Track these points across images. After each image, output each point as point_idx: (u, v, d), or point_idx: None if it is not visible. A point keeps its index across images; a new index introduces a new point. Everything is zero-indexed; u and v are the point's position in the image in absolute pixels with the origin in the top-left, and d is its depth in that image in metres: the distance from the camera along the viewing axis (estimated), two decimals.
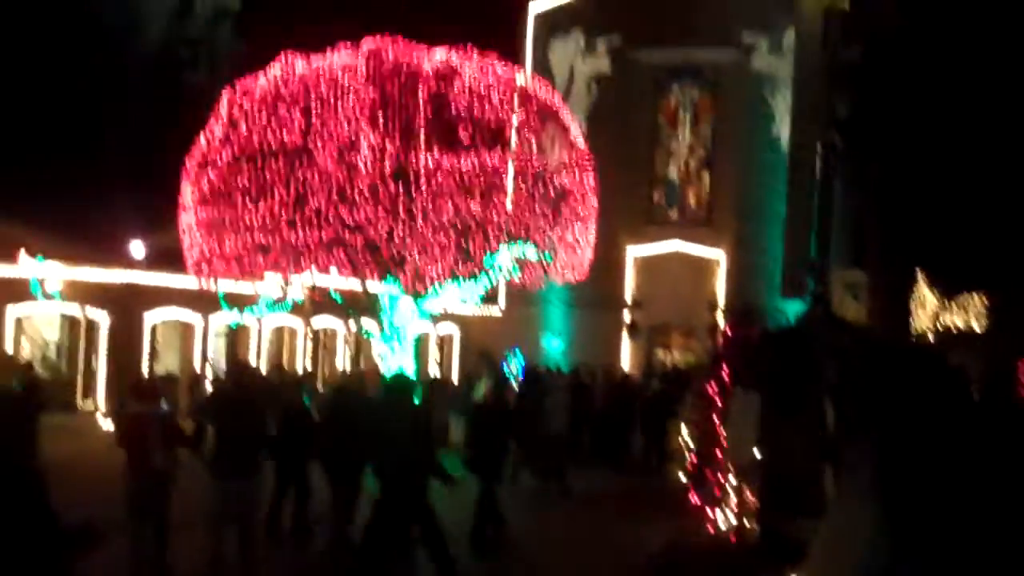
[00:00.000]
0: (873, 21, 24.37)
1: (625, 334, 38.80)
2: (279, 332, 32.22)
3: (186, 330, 29.98)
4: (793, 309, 18.12)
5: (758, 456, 10.13)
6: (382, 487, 10.21)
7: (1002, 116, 24.60)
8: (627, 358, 38.12)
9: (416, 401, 11.56)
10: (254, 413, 10.60)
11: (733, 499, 10.87)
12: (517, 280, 23.74)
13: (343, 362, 32.90)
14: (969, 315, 31.44)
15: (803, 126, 12.56)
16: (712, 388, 11.53)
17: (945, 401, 4.49)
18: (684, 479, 12.65)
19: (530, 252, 22.32)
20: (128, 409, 10.74)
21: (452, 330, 38.28)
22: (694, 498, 11.71)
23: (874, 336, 11.01)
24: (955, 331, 29.69)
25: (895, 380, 4.42)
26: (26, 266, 25.80)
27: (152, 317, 28.24)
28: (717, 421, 11.25)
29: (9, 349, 25.97)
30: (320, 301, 26.59)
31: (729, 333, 12.10)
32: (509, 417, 13.93)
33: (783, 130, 36.40)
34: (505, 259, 22.26)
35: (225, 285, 22.87)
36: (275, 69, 21.74)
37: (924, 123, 25.53)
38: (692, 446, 12.73)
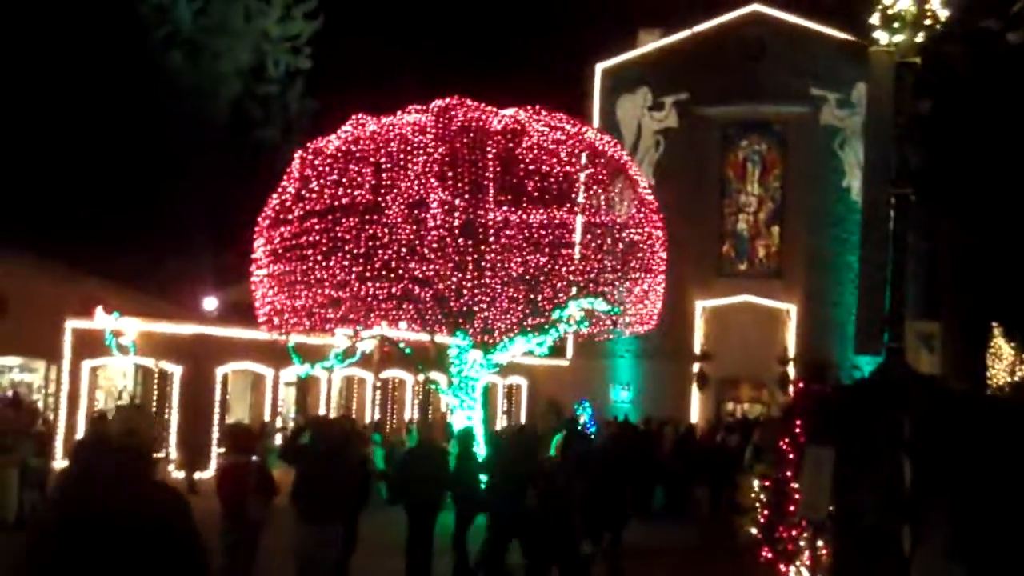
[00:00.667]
0: (945, 73, 24.21)
1: (694, 386, 38.56)
2: (348, 382, 32.46)
3: (257, 381, 30.33)
4: (866, 363, 17.90)
5: (832, 512, 10.00)
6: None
7: None
8: (696, 410, 37.85)
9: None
10: (339, 461, 10.75)
11: (807, 555, 10.72)
12: (585, 332, 23.80)
13: (411, 412, 33.02)
14: None
15: (874, 179, 12.55)
16: (785, 442, 11.41)
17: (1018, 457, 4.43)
18: (756, 533, 12.49)
19: (599, 305, 22.37)
20: (225, 458, 10.87)
21: (520, 381, 38.28)
22: (766, 553, 11.56)
23: (950, 390, 10.84)
24: None
25: (973, 436, 4.39)
26: (102, 320, 26.33)
27: (224, 369, 28.62)
28: (790, 475, 11.12)
29: (84, 399, 26.46)
30: (389, 353, 26.80)
31: (802, 387, 11.96)
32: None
33: (853, 183, 36.28)
34: (573, 312, 22.33)
35: (295, 338, 23.17)
36: (346, 128, 22.13)
37: (998, 174, 25.26)
38: (764, 500, 12.59)
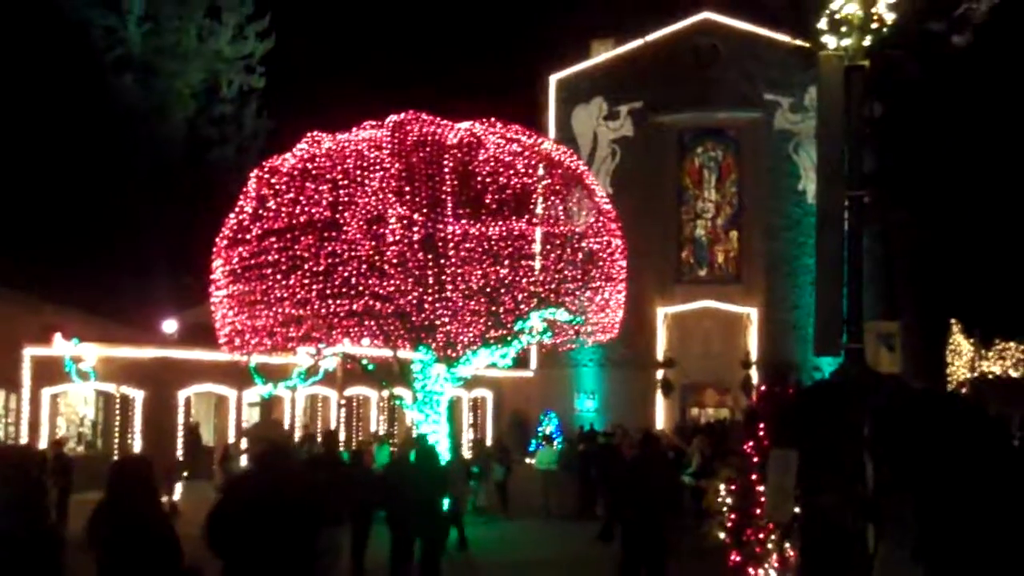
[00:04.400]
0: (894, 75, 24.48)
1: (659, 393, 38.67)
2: (312, 401, 32.33)
3: (220, 402, 30.15)
4: (827, 364, 18.03)
5: (798, 514, 10.05)
6: None
7: None
8: (661, 416, 37.97)
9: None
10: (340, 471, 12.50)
11: (775, 558, 10.77)
12: (548, 343, 23.81)
13: (376, 428, 32.93)
14: (1006, 362, 31.22)
15: (827, 182, 12.67)
16: (749, 446, 11.48)
17: (986, 454, 4.48)
18: (724, 537, 12.54)
19: (561, 315, 22.37)
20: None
21: (485, 393, 38.28)
22: (735, 557, 11.61)
23: (910, 388, 10.94)
24: (992, 379, 29.49)
25: (933, 435, 4.43)
26: (61, 347, 26.08)
27: (186, 392, 28.43)
28: (755, 479, 11.18)
29: (45, 427, 26.20)
30: (352, 370, 26.69)
31: (764, 390, 12.05)
32: None
33: (808, 186, 36.63)
34: (536, 323, 22.32)
35: (257, 358, 23.04)
36: (302, 146, 22.04)
37: (951, 173, 25.55)
38: (731, 503, 12.65)
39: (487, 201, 21.11)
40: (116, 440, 27.15)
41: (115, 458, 14.69)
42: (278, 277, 20.77)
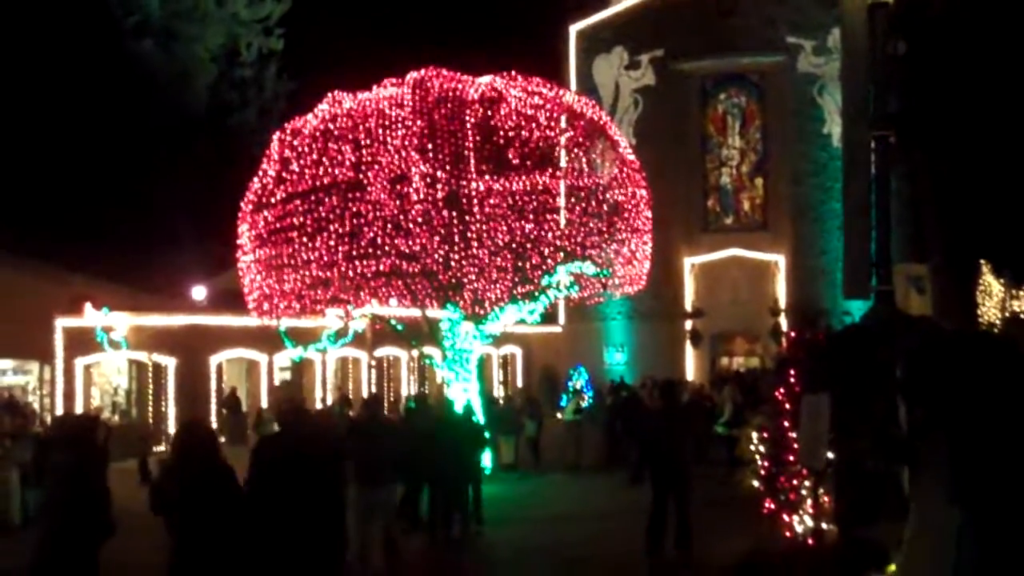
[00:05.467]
0: (918, 12, 24.11)
1: (688, 343, 38.61)
2: (343, 363, 32.47)
3: (252, 367, 30.32)
4: (857, 308, 17.91)
5: (832, 459, 10.01)
6: None
7: None
8: (691, 367, 37.92)
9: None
10: (387, 436, 13.18)
11: (809, 504, 10.74)
12: (576, 297, 23.77)
13: (407, 389, 33.06)
14: None
15: (853, 123, 12.54)
16: (780, 393, 11.42)
17: (1018, 390, 4.42)
18: (758, 485, 12.51)
19: (587, 268, 22.31)
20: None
21: (514, 350, 38.32)
22: (769, 504, 11.59)
23: (942, 329, 10.83)
24: None
25: (967, 374, 4.37)
26: (92, 317, 26.24)
27: (217, 358, 28.60)
28: (787, 425, 11.13)
29: (80, 397, 26.43)
30: (381, 331, 26.75)
31: (794, 336, 11.97)
32: None
33: (834, 129, 36.23)
34: (562, 277, 22.28)
35: (287, 322, 23.13)
36: (323, 107, 21.98)
37: (978, 111, 25.21)
38: (764, 451, 12.61)
39: (510, 156, 21.03)
40: (150, 408, 27.38)
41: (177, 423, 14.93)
42: (304, 240, 20.81)
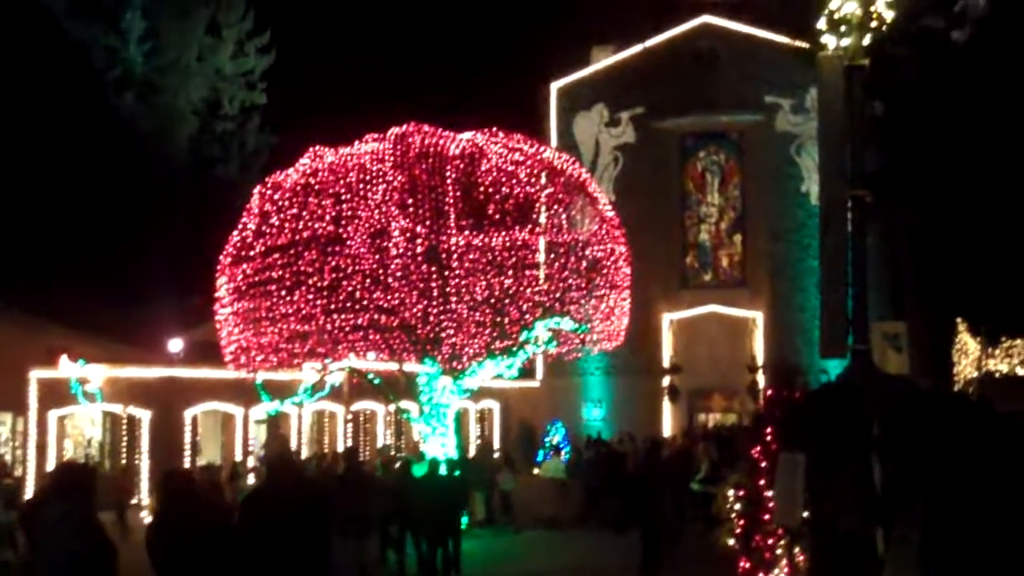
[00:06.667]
0: (895, 75, 24.42)
1: (666, 399, 38.56)
2: (319, 416, 32.25)
3: (227, 421, 30.10)
4: (834, 366, 17.95)
5: (807, 518, 9.99)
6: None
7: None
8: (668, 423, 37.86)
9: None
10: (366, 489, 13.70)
11: (784, 563, 10.70)
12: (554, 352, 23.78)
13: (383, 443, 32.85)
14: (1014, 360, 31.11)
15: (830, 182, 12.69)
16: (756, 450, 11.41)
17: (995, 452, 4.42)
18: (733, 544, 12.46)
19: (566, 324, 22.34)
20: None
21: (492, 405, 38.18)
22: (744, 563, 11.53)
23: (918, 388, 10.87)
24: (999, 377, 29.38)
25: (942, 435, 4.37)
26: (67, 369, 26.07)
27: (193, 411, 28.40)
28: (763, 484, 11.11)
29: (52, 449, 26.18)
30: (359, 384, 26.66)
31: (771, 394, 11.98)
32: None
33: (812, 188, 36.48)
34: (541, 332, 22.29)
35: (263, 375, 23.02)
36: (304, 161, 22.06)
37: (954, 171, 25.47)
38: (740, 509, 12.57)
39: (490, 211, 21.13)
40: (124, 461, 27.11)
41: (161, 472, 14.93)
42: (282, 293, 20.81)
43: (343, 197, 21.03)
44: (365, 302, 20.46)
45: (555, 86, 41.94)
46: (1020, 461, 4.65)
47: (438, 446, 21.62)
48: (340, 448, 29.44)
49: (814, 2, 15.26)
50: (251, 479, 23.05)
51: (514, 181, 21.54)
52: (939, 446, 4.65)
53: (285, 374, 24.13)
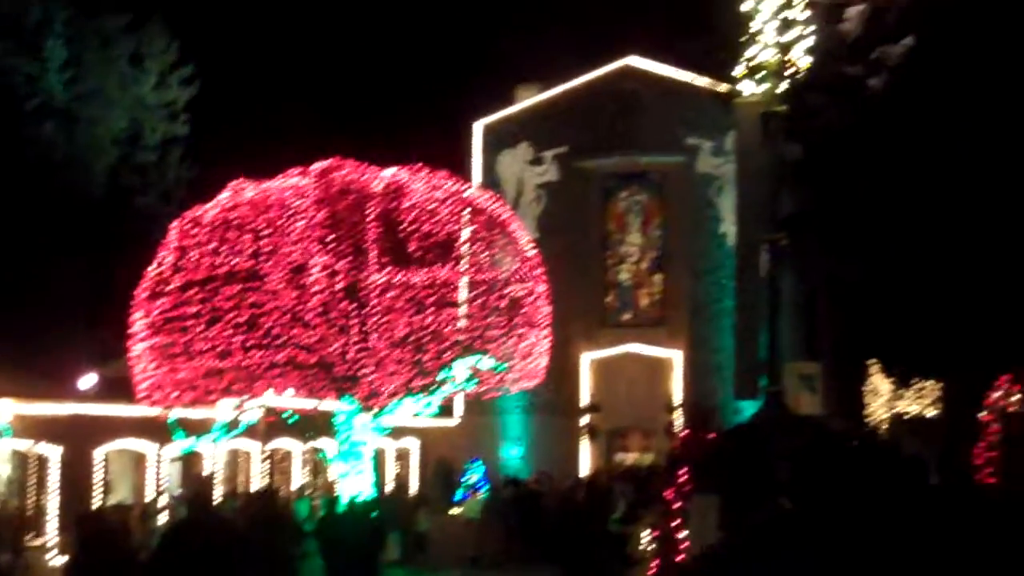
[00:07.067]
0: (812, 120, 24.90)
1: (585, 438, 38.64)
2: (234, 455, 31.75)
3: (139, 459, 29.51)
4: (750, 407, 18.16)
5: None
6: None
7: (945, 205, 25.07)
8: (587, 462, 37.93)
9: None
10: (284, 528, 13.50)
11: None
12: (473, 391, 23.73)
13: (299, 482, 32.43)
14: (925, 401, 31.73)
15: (746, 226, 12.91)
16: (671, 491, 11.48)
17: (900, 494, 4.49)
18: None
19: (485, 362, 22.32)
20: None
21: (411, 443, 37.93)
22: None
23: (827, 431, 11.04)
24: (910, 418, 29.96)
25: (848, 477, 4.43)
26: None
27: (104, 449, 27.81)
28: (677, 525, 11.18)
29: None
30: (275, 422, 26.35)
31: (685, 435, 12.09)
32: None
33: (730, 229, 36.95)
34: (460, 371, 22.24)
35: (178, 412, 22.65)
36: (224, 195, 21.86)
37: (868, 215, 25.96)
38: (654, 550, 12.62)
39: (411, 249, 21.09)
40: (32, 499, 26.41)
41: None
42: (199, 329, 20.53)
43: (263, 232, 20.85)
44: (284, 339, 20.26)
45: (480, 124, 42.13)
46: (921, 502, 4.73)
47: (355, 485, 21.43)
48: (255, 487, 29.06)
49: (734, 48, 15.54)
50: (163, 518, 22.66)
51: (436, 218, 21.54)
52: (845, 488, 4.73)
53: (200, 411, 23.77)
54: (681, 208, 39.59)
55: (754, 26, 14.12)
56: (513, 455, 38.44)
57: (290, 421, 23.75)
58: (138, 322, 21.81)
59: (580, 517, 13.61)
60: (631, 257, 40.53)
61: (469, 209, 22.50)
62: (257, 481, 30.11)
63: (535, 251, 24.15)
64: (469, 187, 24.09)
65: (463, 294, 22.25)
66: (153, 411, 22.20)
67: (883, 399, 30.97)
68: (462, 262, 22.01)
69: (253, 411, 24.06)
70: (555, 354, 25.41)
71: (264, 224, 20.83)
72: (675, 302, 39.36)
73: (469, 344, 21.71)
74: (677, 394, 37.79)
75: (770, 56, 13.23)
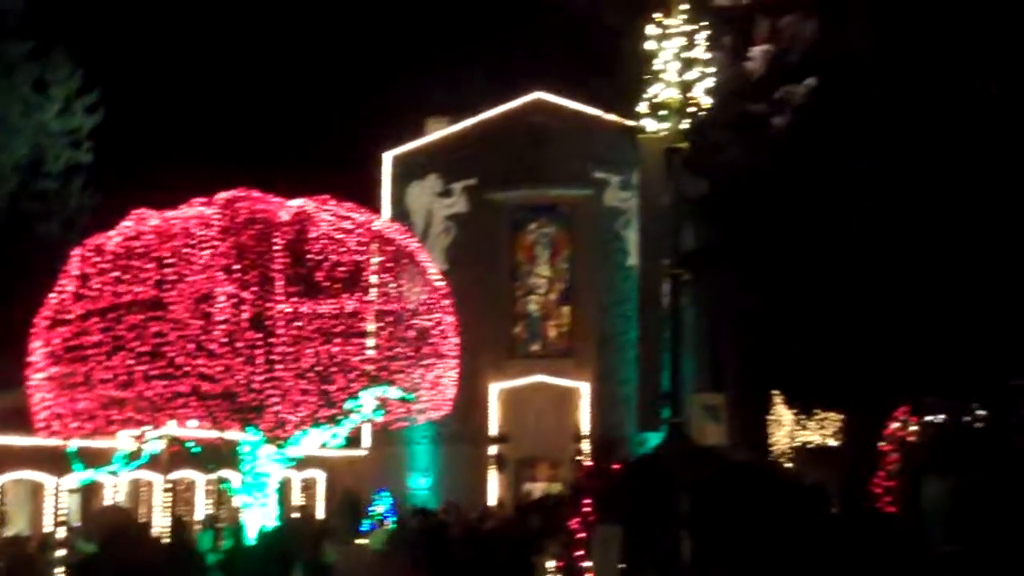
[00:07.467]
0: (716, 155, 25.39)
1: (493, 468, 38.70)
2: (135, 486, 31.22)
3: (37, 490, 28.89)
4: (655, 438, 18.40)
5: None
6: None
7: (843, 241, 25.68)
8: (495, 493, 37.95)
9: None
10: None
11: None
12: (380, 421, 23.64)
13: (202, 514, 31.97)
14: (827, 431, 32.34)
15: (649, 260, 13.11)
16: (575, 522, 11.60)
17: (801, 525, 4.64)
18: None
19: (392, 393, 22.25)
20: None
21: (317, 474, 37.63)
22: None
23: (728, 462, 11.25)
24: (812, 448, 30.51)
25: (748, 509, 4.57)
26: None
27: (1, 479, 27.20)
28: (580, 555, 11.29)
29: None
30: (178, 453, 25.97)
31: (589, 466, 12.23)
32: None
33: (637, 262, 37.47)
34: (368, 401, 22.14)
35: (77, 443, 22.21)
36: (128, 223, 21.57)
37: (770, 248, 26.48)
38: None
39: (318, 279, 20.98)
40: None
41: None
42: (100, 358, 20.18)
43: (167, 261, 20.61)
44: (187, 368, 20.00)
45: (389, 155, 42.20)
46: (821, 532, 4.88)
47: (259, 517, 21.18)
48: (158, 518, 28.64)
49: (638, 85, 15.85)
50: (62, 551, 22.19)
51: (343, 249, 21.48)
52: (746, 521, 4.87)
53: (100, 442, 23.34)
54: (589, 241, 40.01)
55: (657, 65, 14.47)
56: (421, 486, 38.34)
57: (193, 452, 23.39)
58: (38, 351, 21.36)
59: (488, 547, 13.63)
60: (539, 289, 40.85)
61: (377, 240, 22.47)
62: (159, 513, 29.67)
63: (443, 282, 24.19)
64: (377, 218, 24.07)
65: (371, 325, 22.19)
66: (52, 441, 21.71)
67: (787, 429, 31.51)
68: (370, 292, 21.95)
69: (155, 441, 23.69)
70: (463, 384, 25.41)
71: (168, 253, 20.56)
72: (583, 333, 39.70)
73: (376, 374, 21.64)
74: (585, 425, 38.05)
75: (672, 94, 13.51)
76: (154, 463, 26.44)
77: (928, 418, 24.14)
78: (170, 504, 30.82)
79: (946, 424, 24.14)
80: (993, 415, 23.05)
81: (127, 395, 20.34)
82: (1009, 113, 23.44)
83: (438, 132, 41.97)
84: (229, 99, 48.33)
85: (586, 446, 35.89)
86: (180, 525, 14.85)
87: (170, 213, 21.73)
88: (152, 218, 21.58)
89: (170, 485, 30.53)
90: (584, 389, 38.59)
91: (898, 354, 25.31)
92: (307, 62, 50.19)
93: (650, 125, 13.38)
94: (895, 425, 21.11)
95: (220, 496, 32.32)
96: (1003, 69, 23.65)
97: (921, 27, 24.51)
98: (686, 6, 16.00)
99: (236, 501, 23.24)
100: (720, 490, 4.61)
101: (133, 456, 23.57)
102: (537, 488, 37.93)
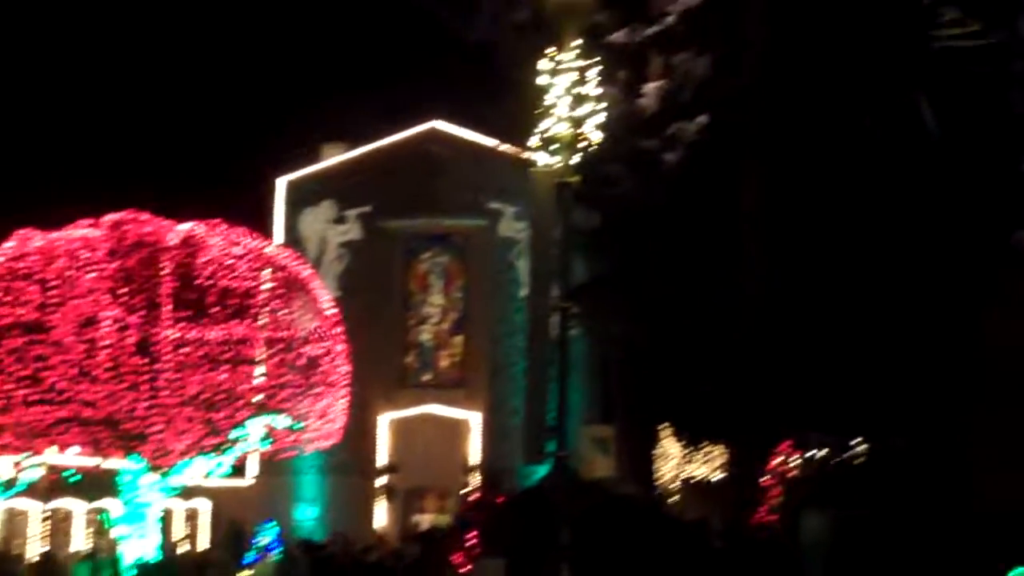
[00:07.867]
0: (608, 189, 25.70)
1: (382, 499, 38.41)
2: (10, 515, 30.31)
3: None
4: (541, 470, 18.51)
5: None
6: None
7: (733, 275, 26.15)
8: (384, 523, 37.67)
9: None
10: None
11: None
12: (267, 450, 23.40)
13: (82, 544, 31.16)
14: (713, 464, 32.79)
15: (538, 291, 13.24)
16: (458, 555, 11.62)
17: (678, 560, 4.73)
18: None
19: (280, 421, 22.08)
20: None
21: (201, 504, 36.95)
22: None
23: (611, 495, 11.39)
24: (697, 482, 30.93)
25: (626, 544, 4.65)
26: None
27: None
28: None
29: None
30: (57, 481, 25.36)
31: (474, 498, 12.27)
32: None
33: (528, 293, 37.66)
34: (254, 430, 21.93)
35: None
36: (9, 244, 21.14)
37: (659, 281, 26.85)
38: None
39: (207, 304, 20.79)
40: None
41: None
42: None
43: (51, 283, 20.23)
44: (69, 394, 19.64)
45: (283, 180, 41.84)
46: (700, 566, 4.99)
47: (139, 548, 20.82)
48: (33, 549, 27.87)
49: (529, 120, 16.02)
50: None
51: (234, 274, 21.31)
52: (622, 552, 4.95)
53: None
54: (482, 271, 40.06)
55: (548, 99, 14.66)
56: (308, 516, 37.87)
57: (72, 480, 22.88)
58: None
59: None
60: (432, 318, 40.75)
61: (268, 266, 22.33)
62: (36, 543, 28.83)
63: (335, 310, 24.12)
64: (269, 244, 23.95)
65: (260, 352, 22.00)
66: None
67: (674, 462, 31.90)
68: (260, 319, 21.79)
69: (33, 469, 23.13)
70: (353, 414, 25.32)
71: (52, 275, 20.21)
72: (475, 364, 39.68)
73: (264, 403, 21.46)
74: (475, 456, 38.01)
75: (563, 129, 13.69)
76: (32, 491, 25.79)
77: (810, 453, 24.69)
78: (47, 534, 29.97)
79: (827, 459, 24.72)
80: (873, 450, 23.68)
81: (5, 420, 19.92)
82: (881, 145, 24.09)
83: (333, 158, 41.72)
84: (119, 118, 47.45)
85: (476, 478, 35.90)
86: (50, 561, 14.40)
87: (55, 234, 21.37)
88: (36, 239, 21.19)
89: (48, 514, 29.70)
90: (475, 420, 38.52)
91: (782, 389, 25.78)
92: (201, 83, 49.60)
93: (542, 159, 13.47)
94: (778, 460, 21.53)
95: (99, 527, 31.55)
96: (876, 104, 24.30)
97: (804, 65, 25.11)
98: (579, 41, 16.20)
99: (116, 532, 22.75)
100: (599, 523, 4.69)
101: (9, 484, 23.00)
102: (425, 519, 37.71)
